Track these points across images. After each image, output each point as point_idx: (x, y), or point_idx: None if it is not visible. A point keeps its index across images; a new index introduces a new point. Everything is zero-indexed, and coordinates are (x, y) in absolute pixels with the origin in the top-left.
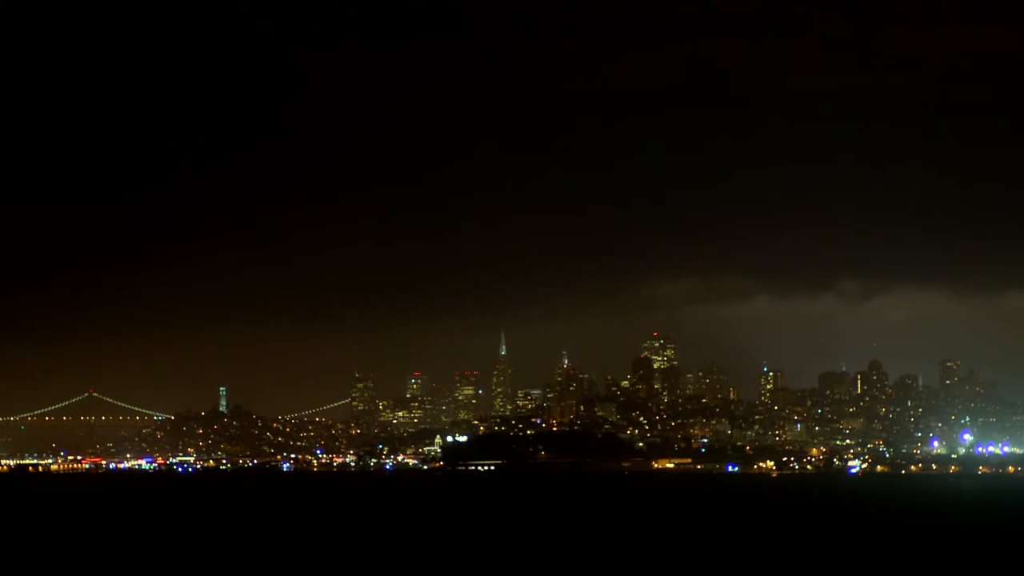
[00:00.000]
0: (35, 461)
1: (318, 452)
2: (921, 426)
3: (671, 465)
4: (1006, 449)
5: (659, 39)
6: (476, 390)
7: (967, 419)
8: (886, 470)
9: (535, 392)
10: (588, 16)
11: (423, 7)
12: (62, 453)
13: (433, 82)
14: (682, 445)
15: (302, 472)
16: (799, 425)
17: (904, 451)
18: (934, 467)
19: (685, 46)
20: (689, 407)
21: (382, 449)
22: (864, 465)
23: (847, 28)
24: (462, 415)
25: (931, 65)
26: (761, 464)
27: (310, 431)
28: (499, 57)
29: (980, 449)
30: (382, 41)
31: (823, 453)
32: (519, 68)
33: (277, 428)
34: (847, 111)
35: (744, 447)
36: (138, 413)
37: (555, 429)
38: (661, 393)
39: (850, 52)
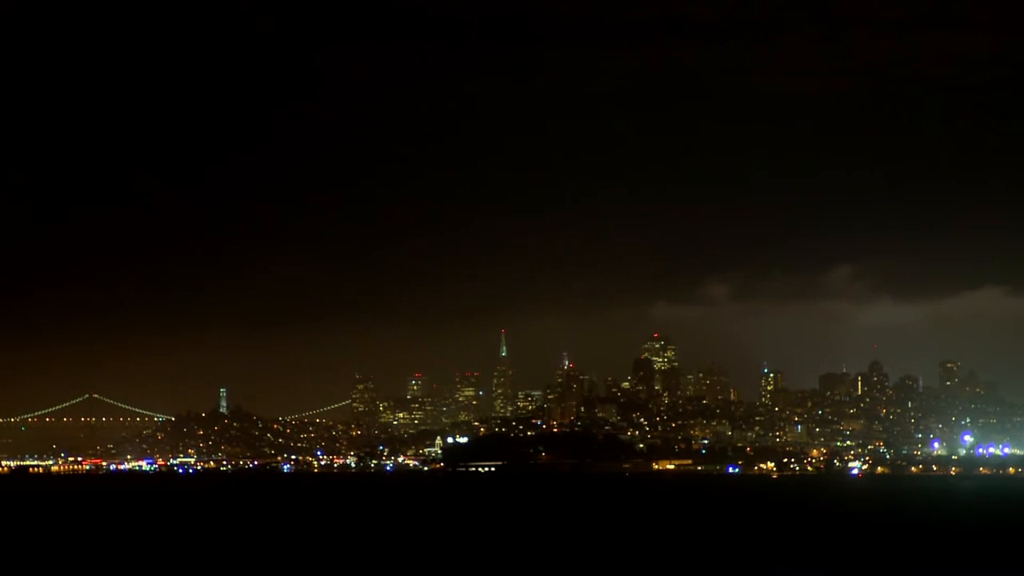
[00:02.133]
0: (35, 462)
1: (318, 453)
2: (921, 427)
3: (671, 466)
4: (1006, 450)
5: (628, 42)
6: (476, 391)
7: (967, 420)
8: (886, 471)
9: (535, 393)
10: (557, 21)
11: (406, 16)
12: (63, 454)
13: (430, 84)
14: (682, 446)
15: (302, 473)
16: (799, 426)
17: (905, 452)
18: (934, 468)
19: (655, 49)
20: (689, 408)
21: (382, 450)
22: (864, 466)
23: (814, 32)
24: (462, 416)
25: (895, 67)
26: (761, 465)
27: (310, 432)
28: (482, 62)
29: (980, 450)
30: (383, 43)
31: (823, 454)
32: (505, 73)
33: (277, 429)
34: (832, 113)
35: (744, 448)
36: (138, 414)
37: (556, 430)
38: (662, 394)
39: (816, 55)
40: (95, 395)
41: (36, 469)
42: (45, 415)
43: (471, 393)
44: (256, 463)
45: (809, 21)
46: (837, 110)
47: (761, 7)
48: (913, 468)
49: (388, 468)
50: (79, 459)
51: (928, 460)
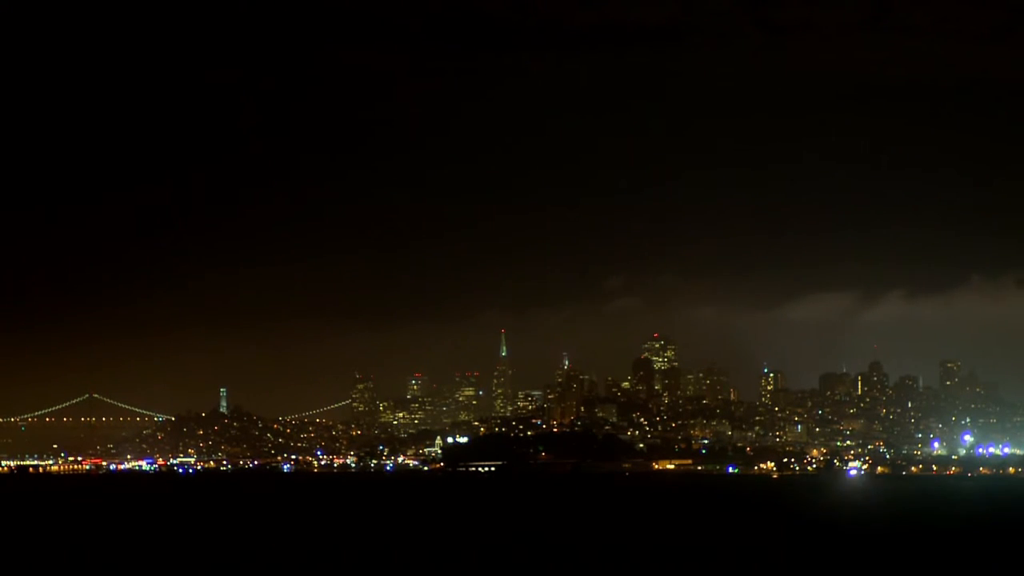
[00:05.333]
0: (36, 462)
1: (318, 453)
2: (921, 427)
3: (671, 466)
4: (1006, 450)
5: (590, 46)
6: (476, 391)
7: (967, 420)
8: (886, 471)
9: (535, 393)
10: (518, 27)
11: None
12: (63, 454)
13: (425, 87)
14: (682, 446)
15: (302, 473)
16: (799, 426)
17: (904, 452)
18: (934, 468)
19: (618, 52)
20: (689, 408)
21: (382, 450)
22: (864, 466)
23: (758, 37)
24: (462, 416)
25: (844, 69)
26: (761, 465)
27: (310, 432)
28: (471, 66)
29: (980, 450)
30: (356, 49)
31: (823, 454)
32: (492, 76)
33: (277, 429)
34: (806, 109)
35: (744, 448)
36: (138, 414)
37: (555, 430)
38: (661, 394)
39: (763, 60)
40: (95, 395)
41: (36, 469)
42: (45, 415)
43: (471, 393)
44: (256, 463)
45: (753, 26)
46: (800, 111)
47: (706, 13)
48: (913, 468)
49: (388, 468)
50: (79, 459)
51: (928, 460)
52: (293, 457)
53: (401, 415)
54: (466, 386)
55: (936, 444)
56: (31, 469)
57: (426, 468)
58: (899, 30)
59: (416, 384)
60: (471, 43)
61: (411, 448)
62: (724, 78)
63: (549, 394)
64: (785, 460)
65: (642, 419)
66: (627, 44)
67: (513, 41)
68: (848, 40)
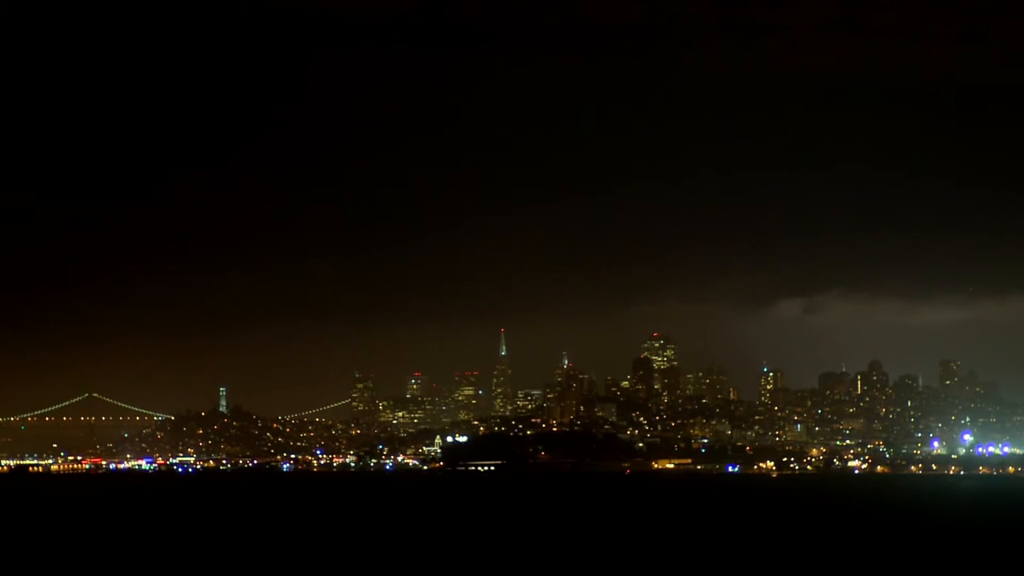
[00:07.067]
0: (35, 461)
1: (318, 452)
2: (921, 426)
3: (671, 465)
4: (1006, 449)
5: (562, 47)
6: (476, 390)
7: (967, 419)
8: (886, 470)
9: (535, 392)
10: (476, 30)
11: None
12: (62, 453)
13: (423, 84)
14: (682, 445)
15: (302, 472)
16: (799, 425)
17: (904, 451)
18: (934, 467)
19: (590, 52)
20: (689, 407)
21: (382, 449)
22: (864, 466)
23: (729, 39)
24: (462, 415)
25: (816, 71)
26: (761, 464)
27: (310, 431)
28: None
29: (980, 449)
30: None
31: (823, 453)
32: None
33: (277, 428)
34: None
35: (744, 447)
36: (138, 413)
37: (555, 429)
38: (661, 393)
39: (733, 61)
40: (95, 395)
41: (36, 468)
42: (45, 415)
43: (471, 392)
44: (256, 462)
45: (723, 29)
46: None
47: (675, 15)
48: (913, 467)
49: (388, 467)
50: (79, 458)
51: (928, 459)
52: (293, 456)
53: (401, 414)
54: (466, 386)
55: (936, 443)
56: (31, 468)
57: (426, 467)
58: (870, 32)
59: (416, 384)
60: (449, 45)
61: (411, 447)
62: (699, 80)
63: (549, 394)
64: (785, 459)
65: (642, 418)
66: (601, 46)
67: (490, 42)
68: (819, 42)
